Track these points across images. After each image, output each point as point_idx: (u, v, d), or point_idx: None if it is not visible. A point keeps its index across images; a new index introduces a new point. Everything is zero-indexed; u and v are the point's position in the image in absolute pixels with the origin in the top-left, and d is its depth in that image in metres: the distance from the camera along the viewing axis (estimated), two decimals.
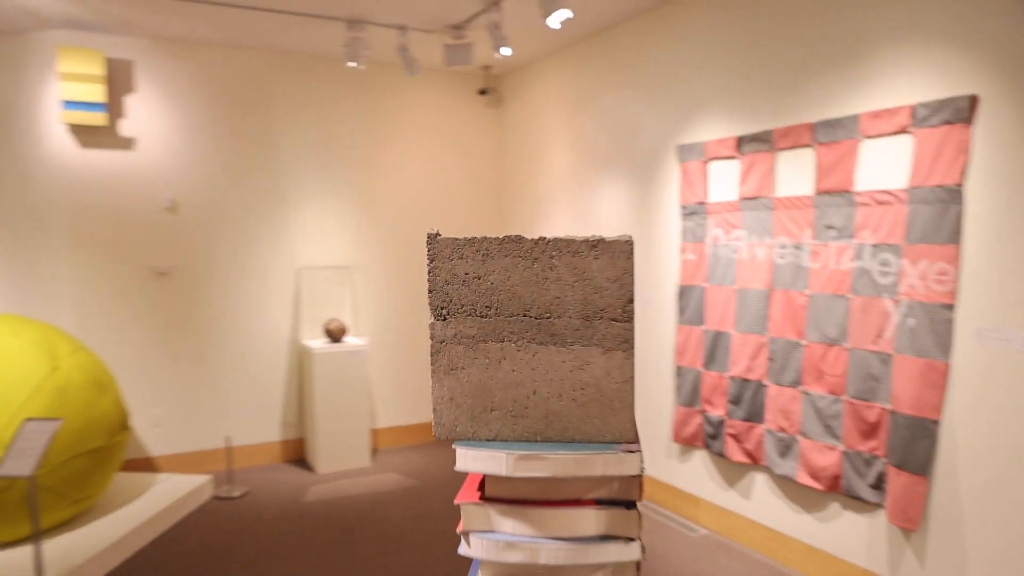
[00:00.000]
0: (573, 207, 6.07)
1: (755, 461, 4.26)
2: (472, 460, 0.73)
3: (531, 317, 0.74)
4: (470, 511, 0.74)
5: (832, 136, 3.75)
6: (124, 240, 5.57)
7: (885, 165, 3.48)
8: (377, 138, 6.52)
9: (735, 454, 4.37)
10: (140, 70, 5.57)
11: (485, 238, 0.75)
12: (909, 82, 3.38)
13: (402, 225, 6.64)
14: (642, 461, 0.73)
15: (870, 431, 3.58)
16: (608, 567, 0.74)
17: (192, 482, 5.22)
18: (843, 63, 3.70)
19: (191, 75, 5.74)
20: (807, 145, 3.91)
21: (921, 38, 3.33)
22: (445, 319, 0.75)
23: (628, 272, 0.73)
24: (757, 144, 4.21)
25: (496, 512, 0.74)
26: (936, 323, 3.25)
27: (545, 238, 0.75)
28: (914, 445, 3.35)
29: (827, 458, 3.79)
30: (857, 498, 3.65)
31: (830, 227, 3.78)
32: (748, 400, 4.27)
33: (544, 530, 0.73)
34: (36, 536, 3.44)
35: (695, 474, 4.78)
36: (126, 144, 5.54)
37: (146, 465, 5.70)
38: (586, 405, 0.73)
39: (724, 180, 4.48)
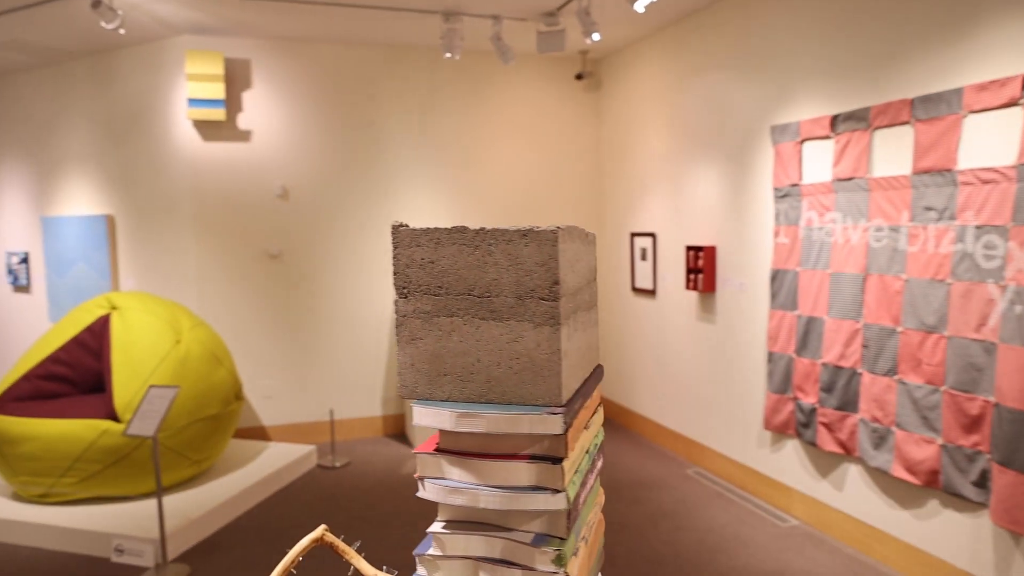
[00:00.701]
0: (669, 191, 5.99)
1: (848, 452, 4.09)
2: (425, 416, 0.87)
3: (474, 296, 0.86)
4: (424, 460, 0.86)
5: (933, 112, 3.51)
6: (240, 225, 6.05)
7: (991, 141, 3.23)
8: (475, 126, 6.69)
9: (827, 444, 4.22)
10: (255, 68, 6.01)
11: (437, 228, 0.88)
12: (1020, 51, 3.11)
13: (499, 210, 6.79)
14: (565, 422, 0.81)
15: (972, 425, 3.36)
16: (544, 515, 0.85)
17: (298, 451, 5.64)
18: (947, 33, 3.45)
19: (300, 71, 6.13)
20: (905, 122, 3.68)
21: None
22: (406, 297, 0.87)
23: (553, 258, 0.83)
24: (852, 123, 4.01)
25: (446, 462, 0.86)
26: None
27: (485, 228, 0.87)
28: (1021, 442, 3.11)
29: (924, 451, 3.59)
30: (958, 495, 3.44)
31: (929, 208, 3.55)
32: (841, 388, 4.10)
33: (484, 479, 0.86)
34: (159, 491, 3.87)
35: (786, 463, 4.65)
36: (243, 137, 6.00)
37: (258, 433, 6.20)
38: (520, 372, 0.82)
39: (818, 161, 4.29)
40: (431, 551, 0.90)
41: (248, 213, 6.06)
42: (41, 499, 4.60)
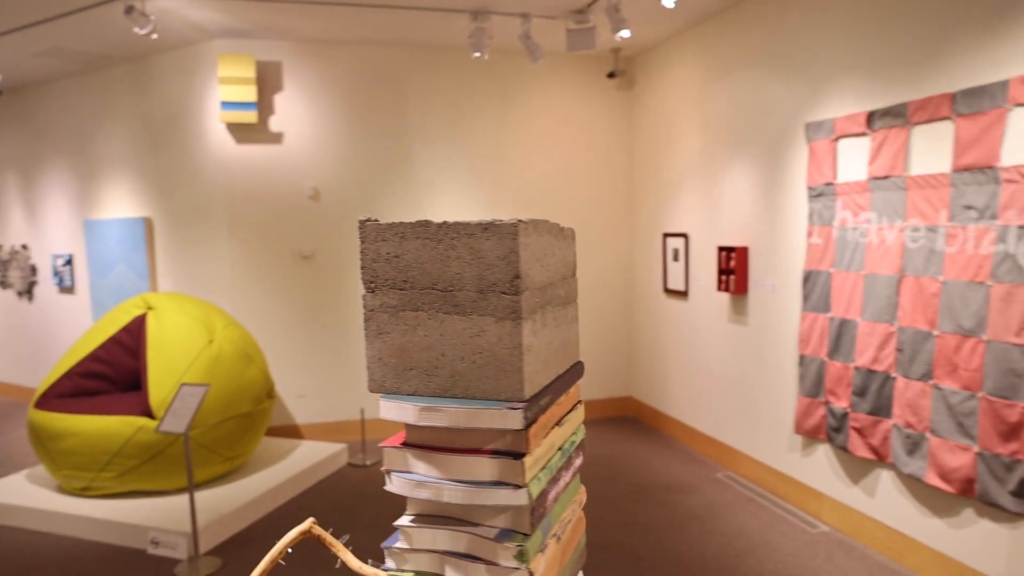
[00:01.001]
0: (701, 191, 5.91)
1: (880, 458, 3.97)
2: (390, 410, 0.86)
3: (438, 290, 0.86)
4: (391, 453, 0.87)
5: (975, 106, 3.39)
6: (273, 226, 6.16)
7: None
8: (506, 125, 6.69)
9: (859, 449, 4.10)
10: (286, 70, 6.11)
11: (401, 223, 0.89)
12: None
13: (531, 209, 6.78)
14: (525, 418, 0.80)
15: (1011, 432, 3.24)
16: (508, 511, 0.85)
17: (329, 449, 5.71)
18: (991, 21, 3.33)
19: (330, 73, 6.21)
20: (945, 118, 3.56)
21: None
22: (373, 291, 0.87)
23: (514, 251, 0.82)
24: (889, 119, 3.89)
25: (412, 456, 0.86)
26: None
27: (447, 222, 0.87)
28: None
29: (959, 459, 3.47)
30: (995, 505, 3.31)
31: (969, 207, 3.43)
32: (874, 393, 3.99)
33: (448, 473, 0.86)
34: (191, 486, 3.96)
35: (817, 468, 4.54)
36: (274, 139, 6.11)
37: (291, 431, 6.30)
38: (483, 367, 0.81)
39: (853, 159, 4.18)
40: (398, 544, 0.90)
41: (280, 214, 6.16)
42: (82, 492, 4.75)
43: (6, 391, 8.25)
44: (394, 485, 0.88)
